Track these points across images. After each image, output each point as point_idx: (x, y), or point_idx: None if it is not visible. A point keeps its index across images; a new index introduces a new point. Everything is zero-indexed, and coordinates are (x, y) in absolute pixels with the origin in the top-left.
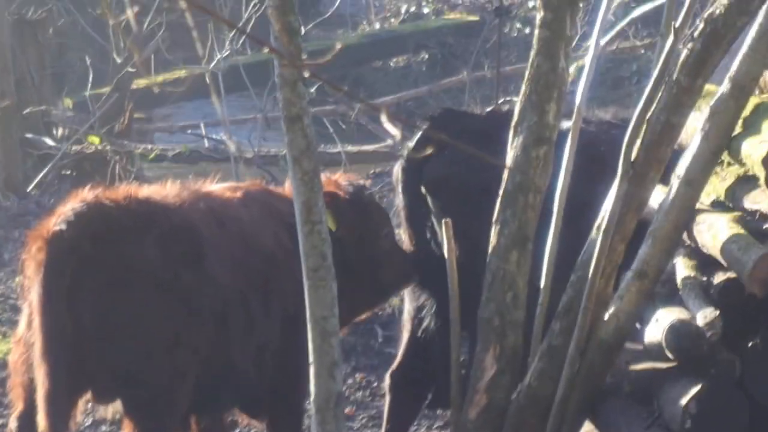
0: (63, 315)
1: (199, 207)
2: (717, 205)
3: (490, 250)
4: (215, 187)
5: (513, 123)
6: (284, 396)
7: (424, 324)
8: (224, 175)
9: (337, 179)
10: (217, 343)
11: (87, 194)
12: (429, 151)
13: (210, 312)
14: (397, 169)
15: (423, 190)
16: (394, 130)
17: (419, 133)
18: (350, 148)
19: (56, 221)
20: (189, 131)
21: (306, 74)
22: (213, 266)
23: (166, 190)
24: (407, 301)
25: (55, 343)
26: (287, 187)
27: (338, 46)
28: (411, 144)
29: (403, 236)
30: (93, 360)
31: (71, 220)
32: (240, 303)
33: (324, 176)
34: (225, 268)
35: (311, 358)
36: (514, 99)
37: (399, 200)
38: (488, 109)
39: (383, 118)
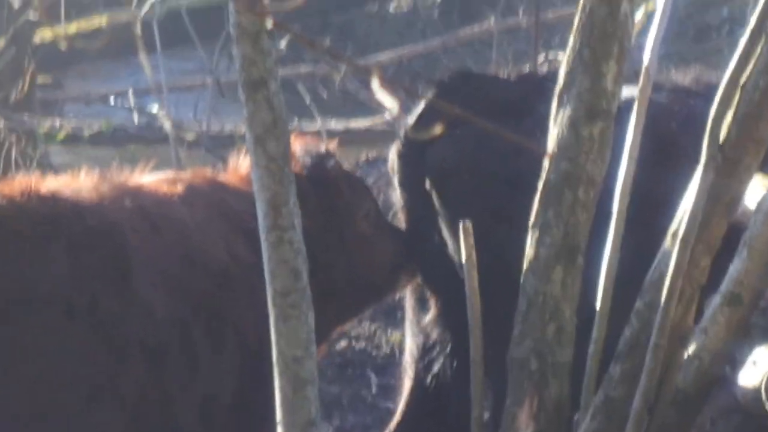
0: None
1: (125, 206)
2: None
3: (525, 265)
4: (147, 178)
5: (557, 90)
6: None
7: (435, 368)
8: (161, 161)
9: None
10: (150, 392)
11: None
12: (435, 129)
13: (140, 349)
14: (393, 156)
15: (428, 183)
16: (390, 102)
17: (422, 105)
18: (334, 124)
19: None
20: (113, 102)
21: (271, 23)
22: (143, 287)
23: (79, 183)
24: (409, 337)
25: None
26: (238, 170)
27: None
28: (410, 120)
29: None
30: None
31: None
32: (180, 337)
33: None
34: (160, 289)
35: (279, 415)
36: (559, 56)
37: (396, 197)
38: (521, 71)
39: (375, 84)
